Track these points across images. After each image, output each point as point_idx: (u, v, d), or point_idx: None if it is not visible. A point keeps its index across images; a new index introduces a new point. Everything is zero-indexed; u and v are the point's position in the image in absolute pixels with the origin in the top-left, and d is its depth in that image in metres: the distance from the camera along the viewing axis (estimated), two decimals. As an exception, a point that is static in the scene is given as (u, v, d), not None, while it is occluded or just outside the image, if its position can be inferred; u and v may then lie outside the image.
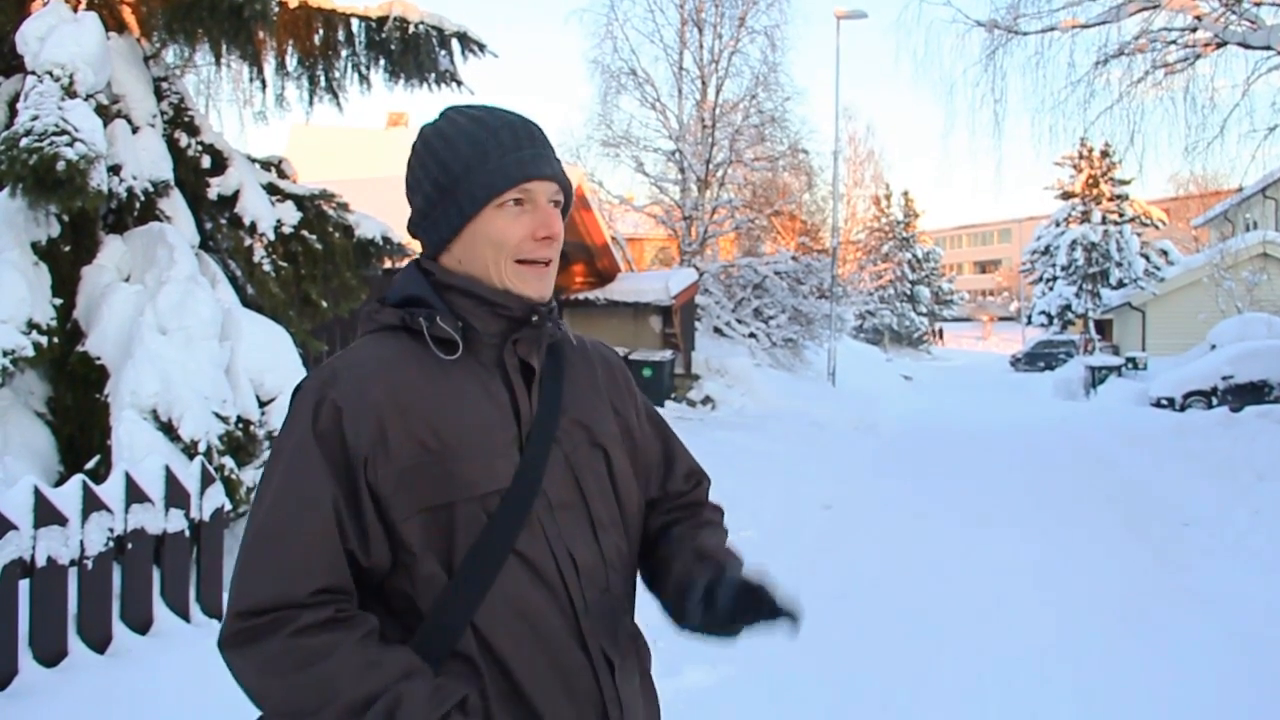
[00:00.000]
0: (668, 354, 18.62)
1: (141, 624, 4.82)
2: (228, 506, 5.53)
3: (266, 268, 7.45)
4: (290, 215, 7.73)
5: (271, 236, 7.47)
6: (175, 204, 6.95)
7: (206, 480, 5.28)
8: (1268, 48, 13.47)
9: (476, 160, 1.48)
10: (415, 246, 1.65)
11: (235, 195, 7.44)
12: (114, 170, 6.46)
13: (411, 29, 8.19)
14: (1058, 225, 46.22)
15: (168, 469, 5.04)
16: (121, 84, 6.88)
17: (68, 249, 6.36)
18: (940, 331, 64.40)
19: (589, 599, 1.46)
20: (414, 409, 1.42)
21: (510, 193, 1.48)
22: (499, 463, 1.44)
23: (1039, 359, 42.19)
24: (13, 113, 6.38)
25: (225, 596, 5.21)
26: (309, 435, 1.41)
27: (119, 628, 4.71)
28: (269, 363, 6.41)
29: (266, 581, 1.37)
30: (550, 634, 1.42)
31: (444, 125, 1.54)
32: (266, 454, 6.33)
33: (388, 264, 8.64)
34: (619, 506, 1.58)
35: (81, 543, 4.50)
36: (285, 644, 1.34)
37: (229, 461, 5.79)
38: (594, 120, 24.93)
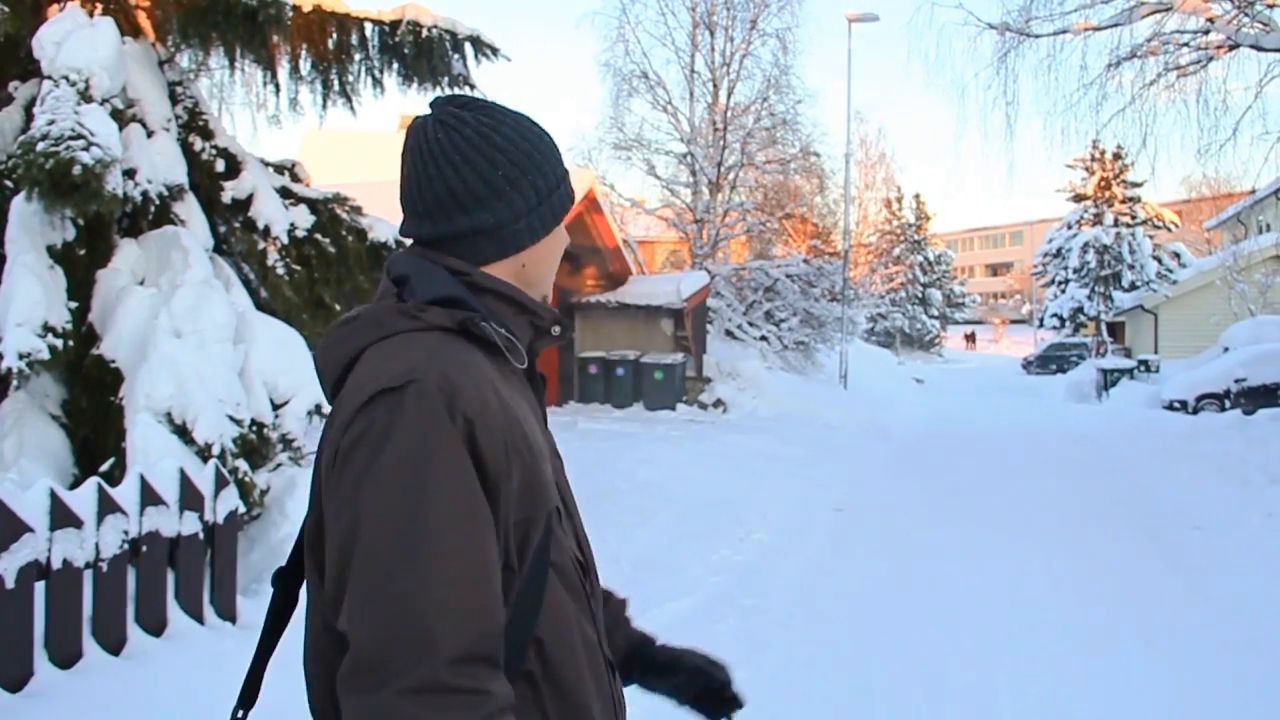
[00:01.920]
0: (679, 357, 18.64)
1: (156, 626, 4.85)
2: (241, 509, 5.56)
3: (280, 271, 7.49)
4: (303, 219, 7.77)
5: (285, 240, 7.51)
6: (190, 208, 6.99)
7: (220, 483, 5.31)
8: (1280, 50, 13.44)
9: (565, 171, 1.47)
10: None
11: (249, 199, 7.49)
12: (129, 174, 6.50)
13: (425, 33, 8.23)
14: (1070, 228, 46.13)
15: (182, 472, 5.06)
16: (137, 88, 6.92)
17: (83, 252, 6.40)
18: (973, 336, 63.93)
19: (595, 602, 1.44)
20: (517, 422, 1.31)
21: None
22: (554, 475, 1.42)
23: (1051, 361, 42.02)
24: (29, 117, 6.43)
25: (239, 599, 5.29)
26: (460, 448, 1.22)
27: (133, 630, 4.73)
28: (283, 366, 6.46)
29: (459, 617, 1.17)
30: (586, 641, 1.37)
31: (522, 123, 1.42)
32: (280, 457, 6.38)
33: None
34: None
35: (97, 545, 4.53)
36: None
37: (243, 464, 5.82)
38: (605, 123, 25.16)
